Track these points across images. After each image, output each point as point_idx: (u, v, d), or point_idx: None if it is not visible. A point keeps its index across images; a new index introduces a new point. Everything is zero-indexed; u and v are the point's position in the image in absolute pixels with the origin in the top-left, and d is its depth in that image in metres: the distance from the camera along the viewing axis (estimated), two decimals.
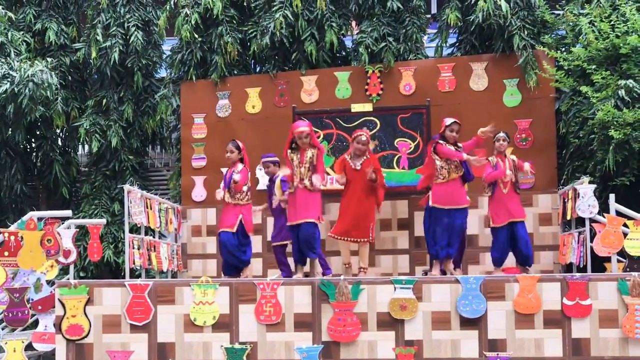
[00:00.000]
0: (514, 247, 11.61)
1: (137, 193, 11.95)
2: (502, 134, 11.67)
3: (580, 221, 11.78)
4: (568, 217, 12.10)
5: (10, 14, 15.64)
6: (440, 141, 11.24)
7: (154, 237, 13.01)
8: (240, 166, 11.57)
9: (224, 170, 12.62)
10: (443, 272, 11.21)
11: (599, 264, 11.71)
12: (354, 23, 15.16)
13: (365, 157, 11.51)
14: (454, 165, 11.20)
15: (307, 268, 12.47)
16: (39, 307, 10.72)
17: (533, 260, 11.87)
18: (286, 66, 14.81)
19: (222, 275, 11.84)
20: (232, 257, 11.50)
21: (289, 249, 12.01)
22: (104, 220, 13.21)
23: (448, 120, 11.29)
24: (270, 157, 12.38)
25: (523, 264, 11.65)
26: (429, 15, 15.41)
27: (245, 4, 15.15)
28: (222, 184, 11.67)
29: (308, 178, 11.01)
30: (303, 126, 11.20)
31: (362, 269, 11.60)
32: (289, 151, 11.17)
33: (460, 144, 11.29)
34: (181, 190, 14.78)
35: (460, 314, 9.82)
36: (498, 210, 11.62)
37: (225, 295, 10.07)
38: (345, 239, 11.51)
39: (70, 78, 16.59)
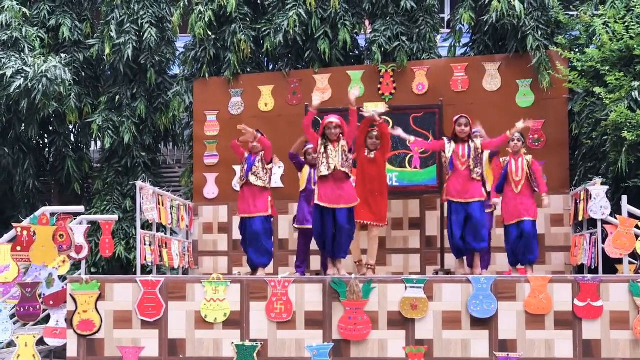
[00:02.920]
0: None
1: (149, 190, 11.97)
2: (517, 134, 11.67)
3: (592, 222, 11.75)
4: (580, 219, 12.09)
5: (24, 9, 15.68)
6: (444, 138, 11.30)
7: (165, 233, 13.03)
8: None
9: (236, 167, 12.63)
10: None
11: (611, 265, 11.69)
12: (367, 22, 15.16)
13: (377, 149, 11.39)
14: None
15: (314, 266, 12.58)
16: (51, 302, 10.78)
17: (534, 259, 11.78)
18: (299, 64, 14.82)
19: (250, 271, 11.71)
20: (264, 248, 11.44)
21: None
22: (115, 217, 13.23)
23: (456, 117, 11.28)
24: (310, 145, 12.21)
25: (523, 262, 11.66)
26: (442, 15, 15.40)
27: (259, 1, 15.20)
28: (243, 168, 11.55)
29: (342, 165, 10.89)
30: (333, 117, 11.12)
31: (369, 267, 11.43)
32: (320, 141, 11.00)
33: (476, 139, 11.21)
34: (193, 187, 14.80)
35: (471, 314, 9.83)
36: (508, 209, 11.64)
37: (236, 292, 10.09)
38: (360, 222, 11.37)
39: (83, 74, 16.60)
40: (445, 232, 11.92)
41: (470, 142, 11.29)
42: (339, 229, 10.61)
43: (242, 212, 11.36)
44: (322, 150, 10.76)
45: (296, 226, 12.21)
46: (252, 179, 11.27)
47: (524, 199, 11.59)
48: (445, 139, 11.28)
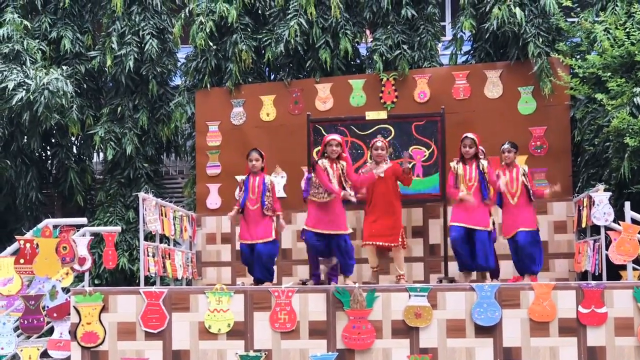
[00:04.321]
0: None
1: (151, 201, 11.97)
2: (506, 145, 11.74)
3: (596, 229, 11.74)
4: (583, 225, 12.07)
5: (26, 22, 15.70)
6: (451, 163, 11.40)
7: (168, 244, 13.02)
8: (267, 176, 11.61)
9: (239, 177, 12.62)
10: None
11: (615, 271, 11.67)
12: (368, 31, 15.17)
13: (386, 164, 11.55)
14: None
15: (302, 275, 12.61)
16: (54, 315, 10.75)
17: (537, 269, 11.78)
18: (300, 74, 14.83)
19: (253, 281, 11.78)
20: (266, 270, 11.55)
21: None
22: (118, 228, 13.23)
23: (463, 136, 11.40)
24: None
25: (526, 272, 11.67)
26: (443, 23, 15.40)
27: (260, 12, 15.19)
28: (240, 192, 11.67)
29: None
30: (334, 135, 11.25)
31: (399, 277, 11.59)
32: (321, 160, 11.16)
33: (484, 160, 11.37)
34: (196, 197, 14.80)
35: (475, 322, 9.81)
36: (506, 222, 11.70)
37: (240, 302, 10.08)
38: (374, 243, 11.58)
39: (85, 86, 16.62)
40: (449, 240, 11.99)
41: (477, 163, 11.40)
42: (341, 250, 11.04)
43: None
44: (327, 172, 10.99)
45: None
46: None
47: (521, 210, 11.62)
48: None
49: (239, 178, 12.13)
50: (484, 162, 11.45)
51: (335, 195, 10.95)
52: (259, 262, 11.40)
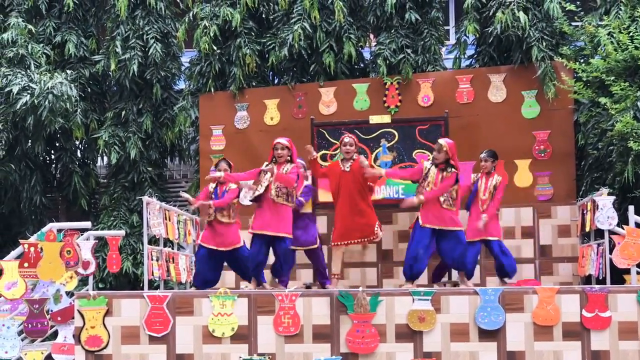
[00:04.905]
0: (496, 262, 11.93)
1: (155, 205, 11.98)
2: (482, 154, 11.74)
3: (599, 233, 11.73)
4: (587, 229, 12.07)
5: (30, 26, 15.74)
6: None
7: (172, 248, 13.03)
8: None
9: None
10: None
11: (618, 275, 11.67)
12: (371, 35, 15.18)
13: (353, 160, 11.41)
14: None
15: (306, 279, 12.63)
16: (58, 318, 10.78)
17: (513, 272, 11.97)
18: (304, 78, 14.85)
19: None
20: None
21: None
22: (122, 232, 13.24)
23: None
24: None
25: (502, 275, 11.86)
26: (447, 27, 15.41)
27: (263, 16, 15.22)
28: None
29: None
30: (280, 138, 11.24)
31: (335, 276, 11.56)
32: (266, 163, 11.16)
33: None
34: None
35: (479, 326, 9.80)
36: (472, 226, 11.69)
37: (243, 306, 10.07)
38: (348, 242, 11.44)
39: (89, 90, 16.65)
40: None
41: (491, 178, 11.43)
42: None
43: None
44: (267, 175, 10.96)
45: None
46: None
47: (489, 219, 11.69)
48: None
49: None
50: (497, 178, 11.54)
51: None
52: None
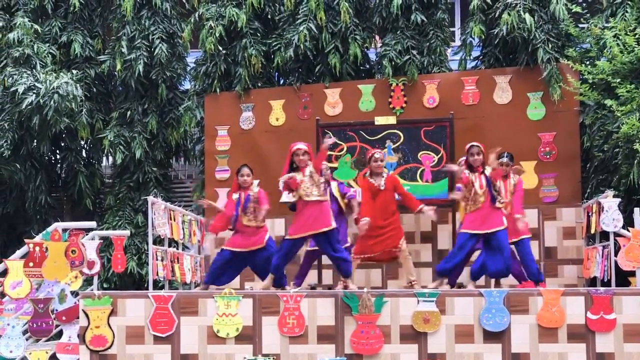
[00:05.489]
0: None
1: (160, 205, 11.99)
2: (504, 159, 11.59)
3: (605, 235, 11.72)
4: (592, 231, 12.07)
5: (36, 26, 15.76)
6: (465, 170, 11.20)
7: (177, 248, 13.05)
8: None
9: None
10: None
11: (623, 278, 11.65)
12: (377, 36, 15.18)
13: (385, 175, 11.44)
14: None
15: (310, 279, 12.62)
16: (63, 318, 10.76)
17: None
18: (310, 79, 14.85)
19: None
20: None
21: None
22: (127, 232, 13.25)
23: (468, 145, 11.22)
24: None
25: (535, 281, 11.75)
26: (452, 29, 15.40)
27: (269, 16, 15.22)
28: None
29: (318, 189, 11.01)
30: (299, 144, 11.16)
31: (413, 282, 11.48)
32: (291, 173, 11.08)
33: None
34: None
35: (484, 328, 9.79)
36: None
37: (248, 307, 10.07)
38: (371, 256, 11.47)
39: (95, 90, 16.67)
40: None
41: (509, 180, 11.41)
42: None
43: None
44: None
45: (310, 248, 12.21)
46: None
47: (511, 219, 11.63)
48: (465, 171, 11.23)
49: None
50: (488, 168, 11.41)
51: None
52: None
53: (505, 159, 11.61)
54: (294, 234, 10.84)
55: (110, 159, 17.00)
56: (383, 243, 11.32)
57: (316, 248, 11.61)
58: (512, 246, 11.50)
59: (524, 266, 11.66)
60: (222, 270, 11.56)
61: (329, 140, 11.10)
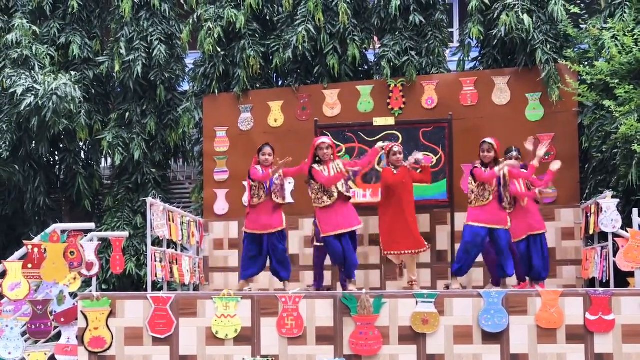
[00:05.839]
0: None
1: (159, 206, 11.98)
2: (514, 153, 11.80)
3: (603, 236, 11.73)
4: (591, 232, 12.08)
5: (34, 27, 15.76)
6: (477, 165, 11.23)
7: (176, 250, 13.03)
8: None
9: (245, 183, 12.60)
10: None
11: (622, 278, 11.65)
12: (375, 37, 15.17)
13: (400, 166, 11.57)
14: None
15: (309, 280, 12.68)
16: (62, 320, 10.78)
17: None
18: (308, 80, 14.84)
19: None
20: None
21: None
22: (126, 233, 13.26)
23: (481, 141, 11.36)
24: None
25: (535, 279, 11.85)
26: (451, 30, 15.40)
27: (268, 17, 15.22)
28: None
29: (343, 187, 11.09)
30: (323, 138, 11.30)
31: (413, 282, 11.51)
32: (315, 165, 11.17)
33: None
34: (203, 203, 14.80)
35: (482, 328, 9.80)
36: (518, 224, 11.68)
37: (247, 308, 10.08)
38: (402, 252, 11.54)
39: (93, 91, 16.66)
40: (457, 246, 12.03)
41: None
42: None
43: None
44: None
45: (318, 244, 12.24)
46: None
47: (531, 212, 11.69)
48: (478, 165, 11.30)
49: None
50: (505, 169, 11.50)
51: (340, 177, 11.02)
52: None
53: (514, 153, 11.69)
54: (331, 231, 11.01)
55: (109, 160, 16.99)
56: (409, 241, 11.47)
57: (322, 244, 11.68)
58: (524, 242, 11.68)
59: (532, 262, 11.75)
60: (254, 260, 11.70)
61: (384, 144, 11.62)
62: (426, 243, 11.72)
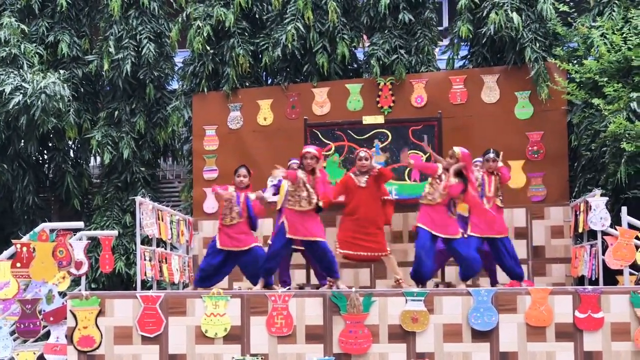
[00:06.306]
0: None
1: (148, 205, 11.96)
2: (491, 155, 11.63)
3: (592, 234, 11.74)
4: (580, 230, 12.08)
5: (23, 26, 15.74)
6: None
7: (165, 249, 13.01)
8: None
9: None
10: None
11: (611, 276, 11.67)
12: (365, 36, 15.18)
13: (369, 175, 11.34)
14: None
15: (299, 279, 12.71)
16: (51, 319, 10.74)
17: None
18: (298, 78, 14.84)
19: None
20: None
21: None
22: (115, 232, 13.22)
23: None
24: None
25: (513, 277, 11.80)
26: (440, 28, 15.41)
27: (257, 16, 15.20)
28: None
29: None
30: (310, 147, 11.26)
31: (399, 281, 11.41)
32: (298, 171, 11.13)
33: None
34: (192, 202, 14.80)
35: (472, 327, 9.80)
36: (479, 223, 11.62)
37: (236, 307, 10.06)
38: (357, 253, 11.39)
39: (82, 90, 16.64)
40: None
41: (493, 176, 11.45)
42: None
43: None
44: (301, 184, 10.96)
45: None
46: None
47: (494, 215, 11.62)
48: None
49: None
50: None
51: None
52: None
53: (491, 155, 11.64)
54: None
55: (98, 159, 16.99)
56: (368, 247, 11.28)
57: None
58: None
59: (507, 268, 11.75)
60: (214, 270, 11.61)
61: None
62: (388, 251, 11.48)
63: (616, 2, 13.48)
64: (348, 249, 11.25)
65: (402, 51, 14.19)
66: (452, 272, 12.24)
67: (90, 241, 12.23)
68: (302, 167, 11.03)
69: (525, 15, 13.71)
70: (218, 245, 11.52)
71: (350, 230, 11.25)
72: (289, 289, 11.43)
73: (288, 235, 10.97)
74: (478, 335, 9.82)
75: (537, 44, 13.58)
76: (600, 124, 12.44)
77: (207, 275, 11.58)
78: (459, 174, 10.93)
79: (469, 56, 14.80)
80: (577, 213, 12.21)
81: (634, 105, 12.00)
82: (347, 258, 11.38)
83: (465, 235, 11.28)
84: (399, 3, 14.25)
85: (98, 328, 10.11)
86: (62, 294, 11.03)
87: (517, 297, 9.86)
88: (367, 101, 14.19)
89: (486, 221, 11.38)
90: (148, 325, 10.08)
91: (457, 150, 11.02)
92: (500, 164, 11.69)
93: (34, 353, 10.71)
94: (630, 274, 11.33)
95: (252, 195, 11.40)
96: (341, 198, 11.36)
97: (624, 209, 11.29)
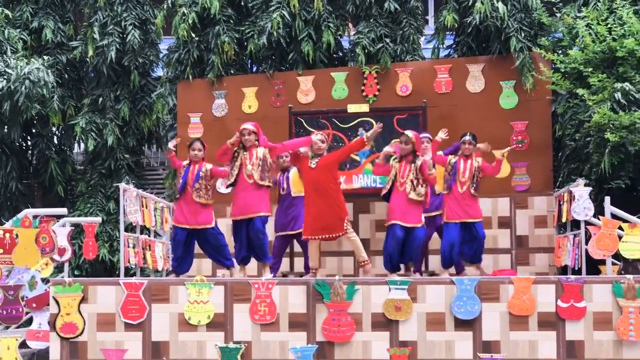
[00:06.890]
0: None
1: (132, 192, 11.94)
2: (467, 137, 11.81)
3: (576, 224, 11.76)
4: (563, 220, 12.11)
5: (7, 11, 15.65)
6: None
7: (149, 236, 13.00)
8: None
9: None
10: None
11: (594, 266, 11.70)
12: (350, 24, 15.17)
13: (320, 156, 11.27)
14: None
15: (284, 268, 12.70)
16: (33, 305, 10.71)
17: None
18: (283, 66, 14.82)
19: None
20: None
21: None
22: (99, 219, 13.20)
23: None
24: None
25: (474, 261, 12.05)
26: (426, 17, 15.41)
27: (242, 3, 15.16)
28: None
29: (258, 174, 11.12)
30: (248, 124, 11.31)
31: (364, 263, 11.25)
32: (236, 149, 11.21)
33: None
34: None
35: (455, 315, 9.82)
36: (452, 207, 11.79)
37: (219, 294, 10.06)
38: (317, 237, 11.14)
39: (66, 76, 16.59)
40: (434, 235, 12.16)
41: (470, 160, 11.47)
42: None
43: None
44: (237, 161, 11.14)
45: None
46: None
47: (467, 199, 11.66)
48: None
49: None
50: (479, 160, 11.64)
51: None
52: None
53: (467, 137, 11.69)
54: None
55: (82, 145, 16.92)
56: (324, 226, 11.09)
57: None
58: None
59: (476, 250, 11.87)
60: (182, 252, 11.60)
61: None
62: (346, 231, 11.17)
63: None
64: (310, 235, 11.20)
65: (388, 40, 14.19)
66: (436, 260, 12.24)
67: (73, 228, 12.20)
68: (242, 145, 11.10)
69: (510, 5, 13.74)
70: (172, 222, 11.74)
71: (309, 215, 11.21)
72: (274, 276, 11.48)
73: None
74: (461, 324, 9.84)
75: (522, 34, 13.61)
76: (584, 114, 12.47)
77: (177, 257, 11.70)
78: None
79: (454, 45, 14.82)
80: (561, 203, 12.24)
81: (618, 95, 12.02)
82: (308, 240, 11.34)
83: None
84: None
85: (81, 315, 10.09)
86: (45, 281, 11.01)
87: (500, 286, 9.89)
88: (352, 90, 14.19)
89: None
90: (131, 312, 10.06)
91: (410, 134, 11.13)
92: (486, 151, 11.81)
93: (17, 339, 10.66)
94: (613, 263, 11.35)
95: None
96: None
97: (607, 199, 11.32)
